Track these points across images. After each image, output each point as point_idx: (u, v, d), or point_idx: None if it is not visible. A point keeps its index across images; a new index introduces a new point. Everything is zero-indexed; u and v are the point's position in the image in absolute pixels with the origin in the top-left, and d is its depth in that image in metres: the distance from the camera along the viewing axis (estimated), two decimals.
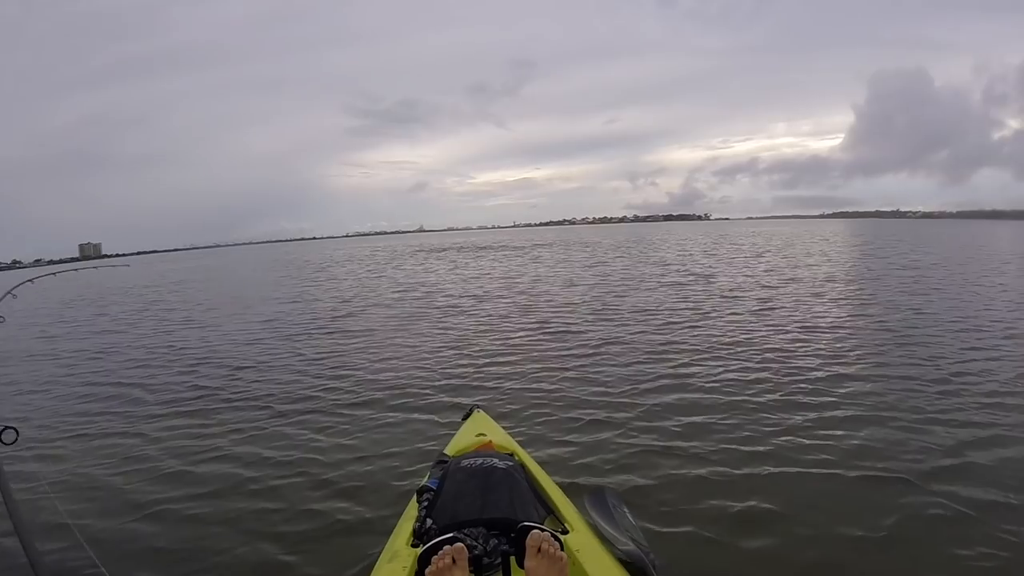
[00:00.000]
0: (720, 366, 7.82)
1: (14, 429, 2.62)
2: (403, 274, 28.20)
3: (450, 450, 3.60)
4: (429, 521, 2.53)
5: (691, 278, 19.25)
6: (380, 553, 2.67)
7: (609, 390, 6.91)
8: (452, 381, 7.71)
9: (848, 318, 11.35)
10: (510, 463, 2.87)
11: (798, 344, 8.98)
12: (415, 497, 2.87)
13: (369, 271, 32.09)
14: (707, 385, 6.96)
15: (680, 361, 8.15)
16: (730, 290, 15.73)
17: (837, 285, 16.53)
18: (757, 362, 7.97)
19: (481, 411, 4.44)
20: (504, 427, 4.26)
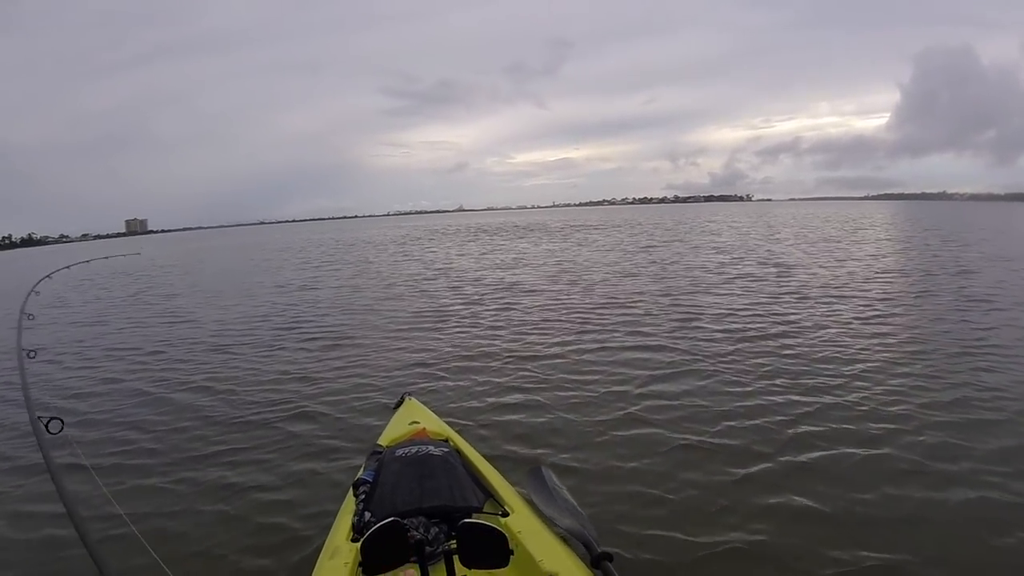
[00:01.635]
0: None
1: (60, 419, 2.85)
2: (469, 261, 24.58)
3: (384, 440, 3.54)
4: (368, 514, 2.47)
5: (762, 268, 17.01)
6: (320, 550, 2.59)
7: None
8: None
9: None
10: (445, 449, 2.87)
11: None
12: (351, 491, 2.82)
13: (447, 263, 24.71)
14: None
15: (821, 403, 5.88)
16: (821, 286, 13.22)
17: (968, 281, 13.65)
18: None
19: (413, 399, 4.44)
20: (437, 414, 4.18)
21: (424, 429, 3.55)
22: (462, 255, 27.82)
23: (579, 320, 10.66)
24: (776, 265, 17.79)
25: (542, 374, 7.39)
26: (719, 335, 9.02)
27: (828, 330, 9.09)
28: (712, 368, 7.28)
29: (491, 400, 6.49)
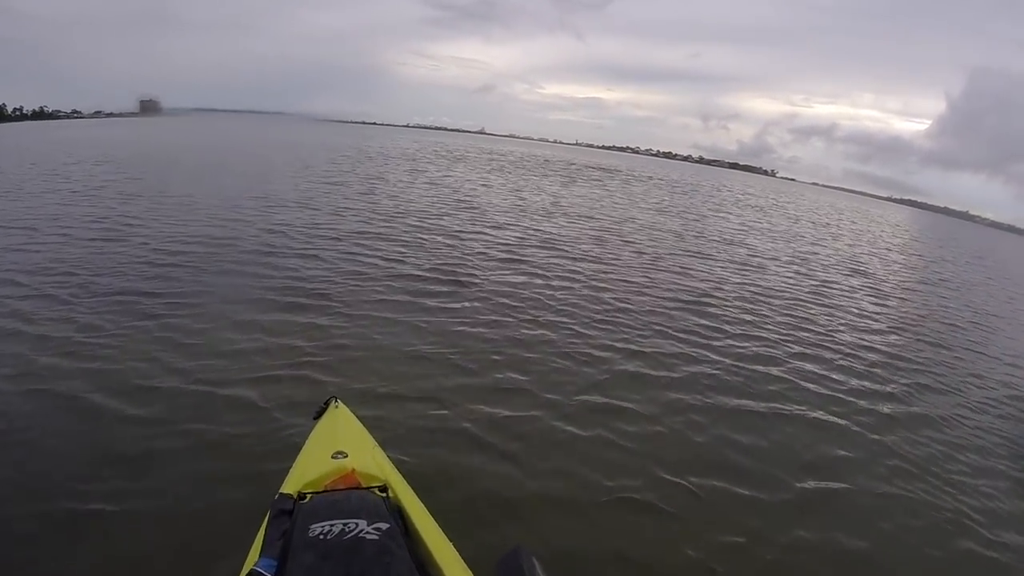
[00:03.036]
0: None
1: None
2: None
3: (293, 484, 2.48)
4: None
5: (836, 272, 15.65)
6: None
7: None
8: None
9: None
10: (383, 527, 1.97)
11: None
12: None
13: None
14: None
15: None
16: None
17: None
18: None
19: (341, 404, 3.31)
20: (375, 429, 3.24)
21: (353, 470, 2.57)
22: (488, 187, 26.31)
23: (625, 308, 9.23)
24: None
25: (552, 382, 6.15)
26: None
27: None
28: None
29: (465, 421, 5.15)
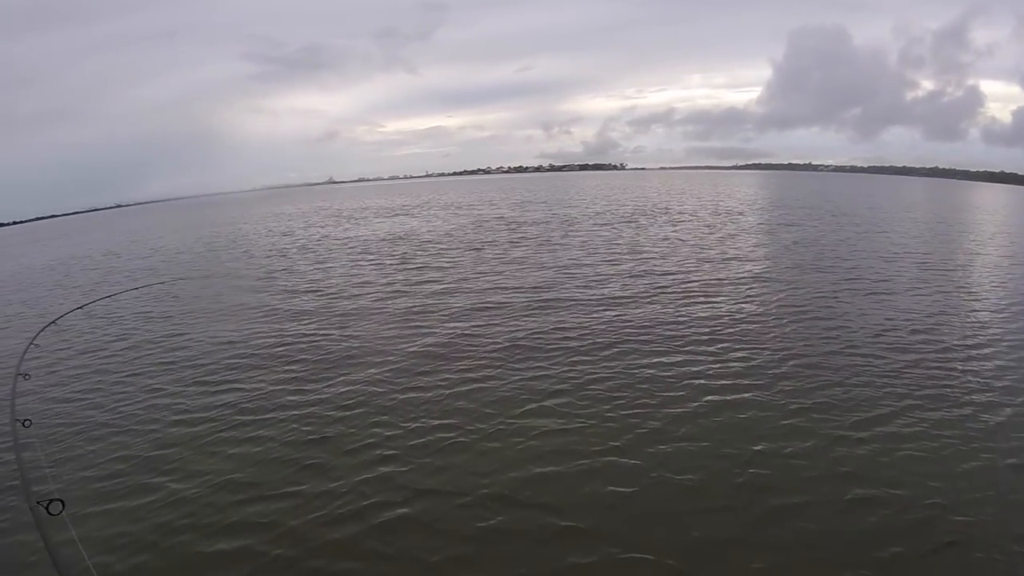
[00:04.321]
0: None
1: (60, 501, 2.86)
2: None
3: None
4: None
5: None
6: None
7: None
8: None
9: None
10: None
11: None
12: None
13: None
14: None
15: None
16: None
17: None
18: None
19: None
20: None
21: None
22: None
23: None
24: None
25: None
26: None
27: None
28: None
29: None
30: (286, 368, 10.22)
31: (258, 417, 8.18)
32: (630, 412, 7.85)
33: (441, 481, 6.33)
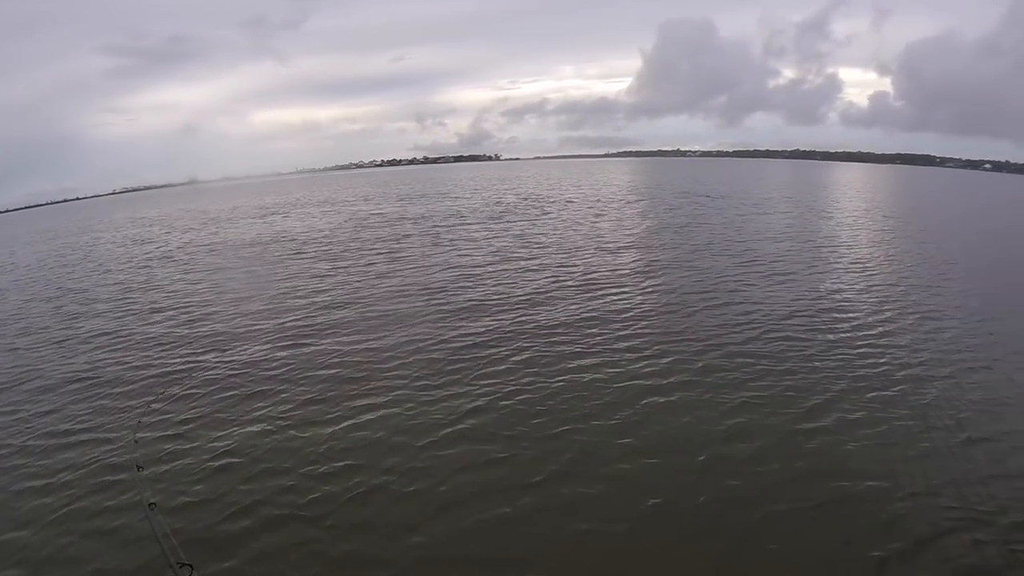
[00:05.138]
0: None
1: (189, 566, 3.17)
2: None
3: None
4: None
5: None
6: None
7: None
8: None
9: None
10: None
11: None
12: None
13: None
14: None
15: None
16: None
17: None
18: None
19: None
20: None
21: None
22: None
23: None
24: None
25: None
26: None
27: None
28: None
29: None
30: (144, 417, 8.02)
31: (118, 477, 6.53)
32: (561, 429, 7.03)
33: (358, 544, 5.12)
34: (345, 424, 7.48)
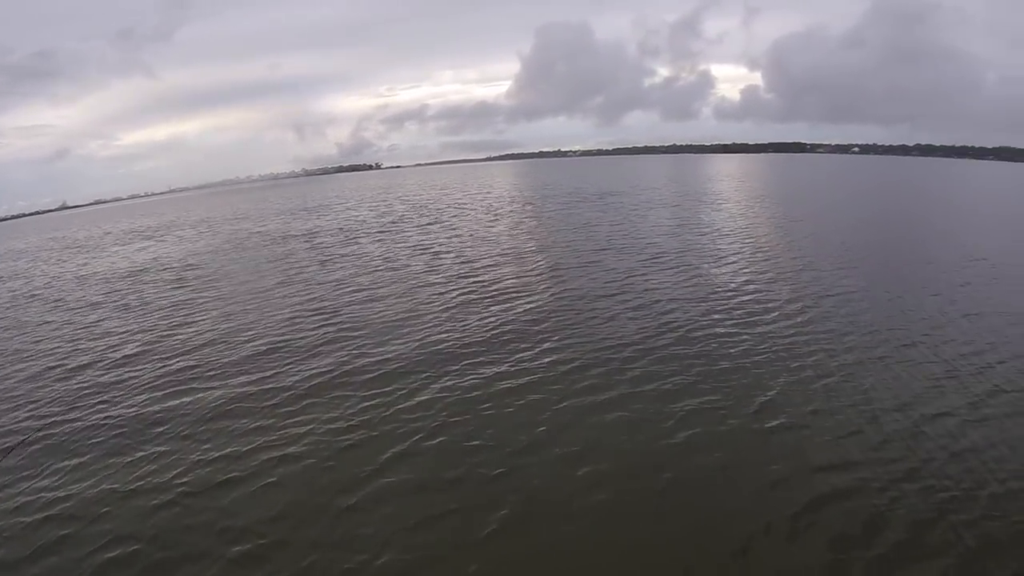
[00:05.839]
0: None
1: None
2: None
3: None
4: None
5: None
6: None
7: None
8: None
9: None
10: None
11: None
12: None
13: None
14: None
15: None
16: None
17: None
18: None
19: None
20: None
21: None
22: None
23: None
24: None
25: None
26: None
27: None
28: None
29: None
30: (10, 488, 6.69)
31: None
32: (501, 470, 6.21)
33: None
34: (254, 486, 6.22)
